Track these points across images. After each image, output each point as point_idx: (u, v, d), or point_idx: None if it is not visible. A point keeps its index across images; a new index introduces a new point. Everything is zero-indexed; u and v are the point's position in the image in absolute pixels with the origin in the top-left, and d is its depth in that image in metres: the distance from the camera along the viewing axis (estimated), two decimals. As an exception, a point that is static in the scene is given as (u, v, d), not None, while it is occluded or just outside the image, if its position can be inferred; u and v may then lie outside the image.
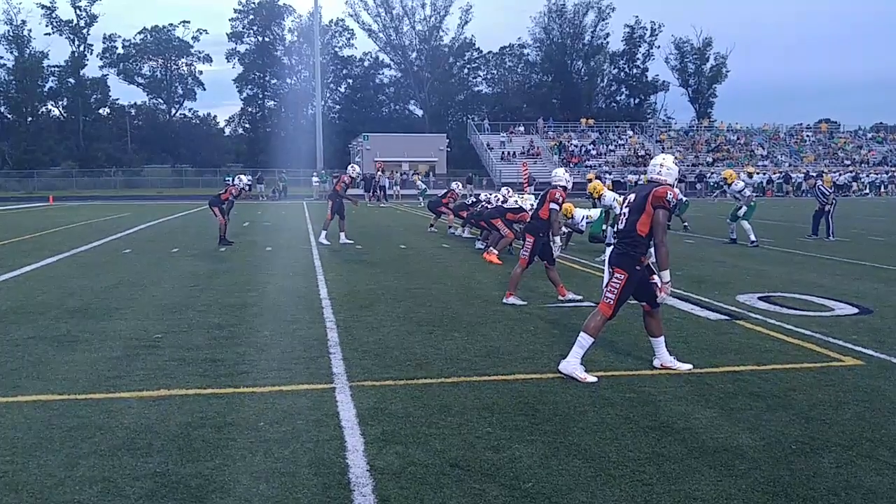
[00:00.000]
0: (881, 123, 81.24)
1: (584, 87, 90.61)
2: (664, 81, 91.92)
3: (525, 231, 9.97)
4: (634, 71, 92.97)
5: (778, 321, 8.21)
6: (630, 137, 70.54)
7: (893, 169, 64.31)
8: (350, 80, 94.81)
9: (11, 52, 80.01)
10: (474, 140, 70.21)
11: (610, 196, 13.28)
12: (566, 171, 9.81)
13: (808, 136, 74.52)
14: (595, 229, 14.28)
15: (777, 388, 5.71)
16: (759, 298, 9.70)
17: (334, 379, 6.00)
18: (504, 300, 9.43)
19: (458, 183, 22.48)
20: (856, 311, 8.93)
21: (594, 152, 65.80)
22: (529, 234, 9.53)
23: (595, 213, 14.27)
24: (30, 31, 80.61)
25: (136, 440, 4.64)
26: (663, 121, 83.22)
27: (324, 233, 15.94)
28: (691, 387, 5.76)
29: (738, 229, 17.28)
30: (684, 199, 19.06)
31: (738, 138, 72.44)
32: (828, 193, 18.85)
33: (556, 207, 9.26)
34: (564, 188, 9.42)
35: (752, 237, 16.50)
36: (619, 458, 4.37)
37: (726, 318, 8.48)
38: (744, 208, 17.10)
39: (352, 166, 18.17)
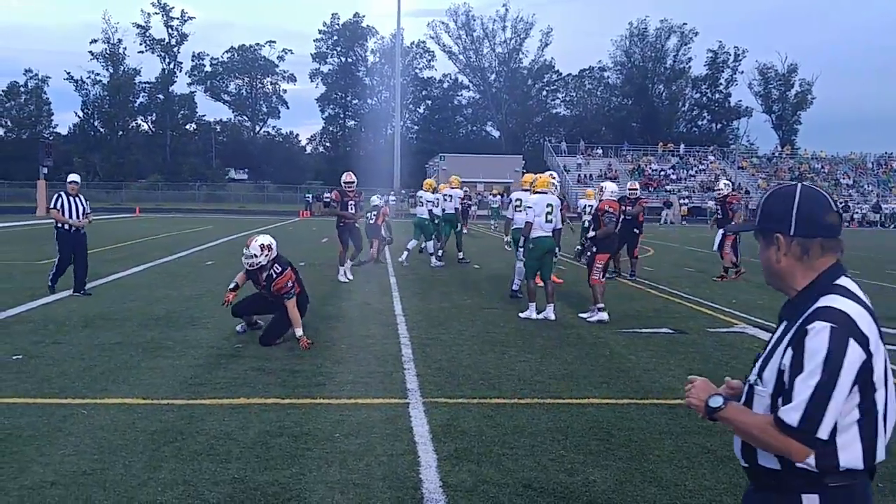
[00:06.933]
0: (974, 152, 77.58)
1: (665, 111, 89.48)
2: (747, 107, 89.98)
3: None
4: (717, 96, 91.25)
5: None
6: (711, 163, 69.23)
7: None
8: (429, 101, 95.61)
9: (107, 69, 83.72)
10: (550, 162, 69.84)
11: None
12: None
13: (897, 165, 71.83)
14: None
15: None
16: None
17: (408, 394, 6.05)
18: None
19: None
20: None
21: (674, 177, 64.81)
22: None
23: None
24: (125, 49, 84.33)
25: (216, 446, 4.77)
26: (746, 147, 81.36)
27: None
28: (772, 419, 5.60)
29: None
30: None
31: (822, 167, 70.27)
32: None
33: None
34: None
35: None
36: (695, 486, 4.28)
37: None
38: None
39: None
